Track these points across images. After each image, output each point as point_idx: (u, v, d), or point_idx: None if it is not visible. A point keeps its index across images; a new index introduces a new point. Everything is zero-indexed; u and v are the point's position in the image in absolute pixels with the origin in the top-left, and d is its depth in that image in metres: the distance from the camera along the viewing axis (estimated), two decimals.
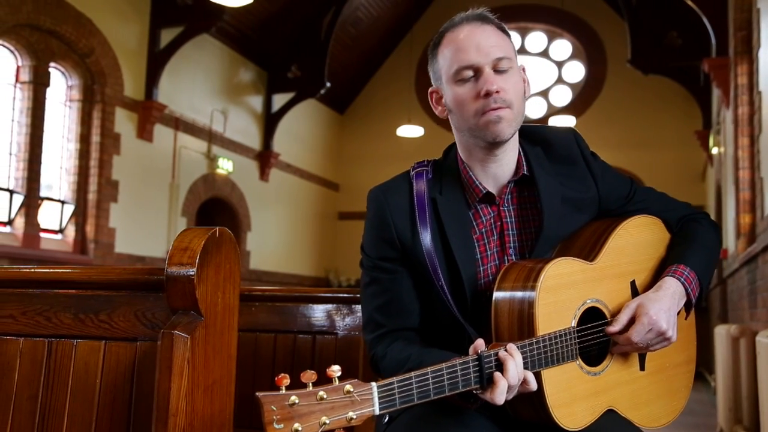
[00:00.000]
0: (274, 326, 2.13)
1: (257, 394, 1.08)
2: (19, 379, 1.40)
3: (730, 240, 6.88)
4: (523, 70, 1.57)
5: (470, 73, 1.48)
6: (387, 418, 1.52)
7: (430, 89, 1.61)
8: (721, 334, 4.86)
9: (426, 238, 1.51)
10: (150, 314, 1.35)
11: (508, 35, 1.56)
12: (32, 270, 1.46)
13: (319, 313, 2.10)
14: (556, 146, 1.64)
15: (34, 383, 1.39)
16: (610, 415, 1.49)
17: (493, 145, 1.52)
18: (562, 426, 1.40)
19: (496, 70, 1.48)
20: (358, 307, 2.08)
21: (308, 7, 10.81)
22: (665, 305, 1.50)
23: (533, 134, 1.63)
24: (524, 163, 1.59)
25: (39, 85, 7.58)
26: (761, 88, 4.89)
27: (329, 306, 2.10)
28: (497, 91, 1.46)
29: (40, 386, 1.39)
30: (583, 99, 12.49)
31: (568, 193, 1.60)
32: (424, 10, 13.26)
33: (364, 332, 1.60)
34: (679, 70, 9.68)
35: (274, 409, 1.08)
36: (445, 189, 1.57)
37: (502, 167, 1.57)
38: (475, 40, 1.49)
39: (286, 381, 1.10)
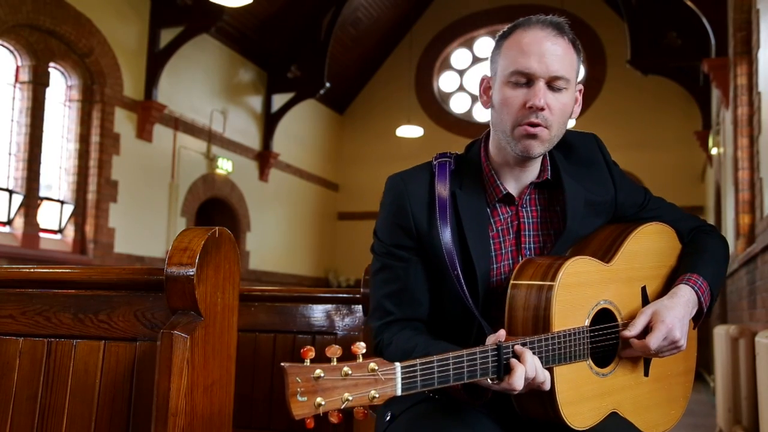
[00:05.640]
0: (274, 326, 2.13)
1: (282, 364, 1.06)
2: (18, 379, 1.41)
3: (729, 240, 6.87)
4: (580, 91, 1.57)
5: (524, 79, 1.47)
6: (389, 416, 1.52)
7: (483, 75, 1.60)
8: (721, 334, 4.86)
9: (445, 230, 1.50)
10: (149, 314, 1.35)
11: (578, 52, 1.53)
12: (32, 270, 1.46)
13: (318, 313, 2.11)
14: (578, 149, 1.65)
15: (33, 383, 1.39)
16: (614, 417, 1.49)
17: (522, 158, 1.52)
18: (569, 424, 1.40)
19: (550, 86, 1.47)
20: (358, 307, 2.08)
21: (308, 7, 10.82)
22: (680, 313, 1.50)
23: None
24: (549, 166, 1.59)
25: (38, 85, 7.58)
26: (761, 88, 4.89)
27: (329, 306, 2.10)
28: (542, 109, 1.45)
29: (40, 386, 1.39)
30: (582, 99, 12.46)
31: (589, 197, 1.60)
32: (423, 10, 13.26)
33: (371, 319, 1.58)
34: (678, 70, 9.66)
35: (299, 381, 1.05)
36: (465, 184, 1.56)
37: (526, 173, 1.57)
38: (541, 49, 1.46)
39: (312, 354, 1.07)
